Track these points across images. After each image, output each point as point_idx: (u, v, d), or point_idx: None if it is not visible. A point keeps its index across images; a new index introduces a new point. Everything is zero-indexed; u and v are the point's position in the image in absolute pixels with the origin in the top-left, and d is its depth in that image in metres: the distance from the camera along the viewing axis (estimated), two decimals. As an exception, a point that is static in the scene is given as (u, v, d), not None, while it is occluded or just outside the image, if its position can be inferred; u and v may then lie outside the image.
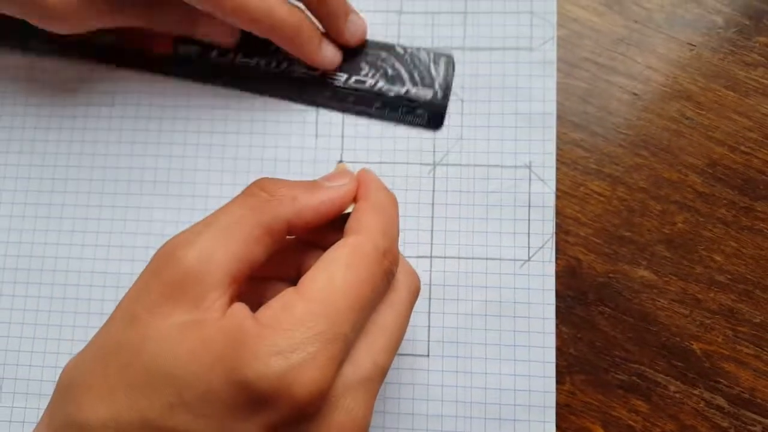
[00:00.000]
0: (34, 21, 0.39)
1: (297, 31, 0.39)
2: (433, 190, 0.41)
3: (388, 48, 0.42)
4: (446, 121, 0.41)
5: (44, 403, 0.39)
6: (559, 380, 0.39)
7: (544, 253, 0.39)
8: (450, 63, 0.42)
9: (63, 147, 0.43)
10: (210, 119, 0.43)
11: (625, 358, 0.39)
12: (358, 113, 0.42)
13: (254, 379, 0.25)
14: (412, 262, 0.40)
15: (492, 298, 0.39)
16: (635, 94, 0.41)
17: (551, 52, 0.42)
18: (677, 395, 0.38)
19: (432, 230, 0.40)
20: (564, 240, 0.40)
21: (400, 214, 0.40)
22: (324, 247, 0.30)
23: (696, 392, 0.38)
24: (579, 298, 0.39)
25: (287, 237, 0.31)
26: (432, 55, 0.42)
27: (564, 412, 0.38)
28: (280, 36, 0.39)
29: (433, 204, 0.41)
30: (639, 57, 0.42)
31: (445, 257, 0.40)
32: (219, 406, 0.25)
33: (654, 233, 0.40)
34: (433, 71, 0.41)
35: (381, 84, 0.42)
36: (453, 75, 0.42)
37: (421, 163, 0.41)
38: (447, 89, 0.41)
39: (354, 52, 0.42)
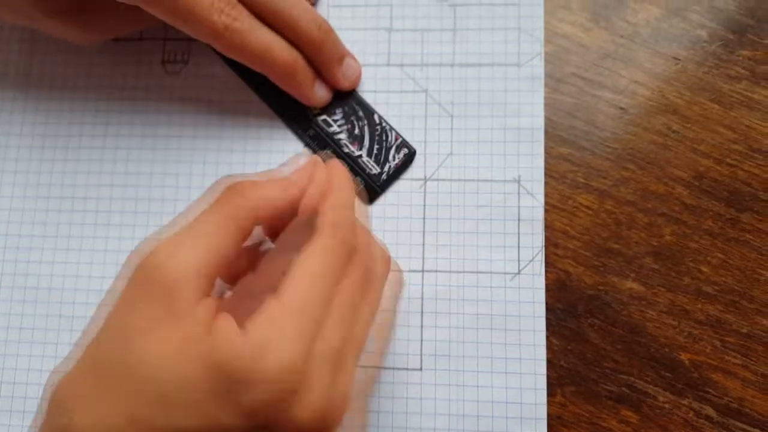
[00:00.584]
0: None
1: (293, 72, 0.40)
2: (424, 205, 0.41)
3: (368, 110, 0.42)
4: (436, 137, 0.41)
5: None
6: (550, 392, 0.38)
7: (534, 266, 0.39)
8: (410, 158, 0.41)
9: (57, 166, 0.43)
10: (204, 137, 0.43)
11: (615, 370, 0.39)
12: (306, 144, 0.42)
13: (228, 359, 0.25)
14: (404, 276, 0.40)
15: (483, 311, 0.39)
16: (622, 109, 0.41)
17: (539, 68, 0.42)
18: (666, 406, 0.38)
19: (423, 244, 0.40)
20: (553, 253, 0.40)
21: (392, 229, 0.40)
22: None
23: (685, 402, 0.38)
24: (569, 310, 0.39)
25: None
26: (399, 141, 0.42)
27: (555, 424, 0.38)
28: (276, 74, 0.40)
29: (424, 218, 0.41)
30: (625, 72, 0.42)
31: (436, 271, 0.40)
32: (200, 395, 0.26)
33: (642, 245, 0.40)
34: (392, 154, 0.41)
35: (342, 136, 0.42)
36: (406, 168, 0.41)
37: (412, 179, 0.41)
38: (393, 178, 0.41)
39: (339, 93, 0.42)
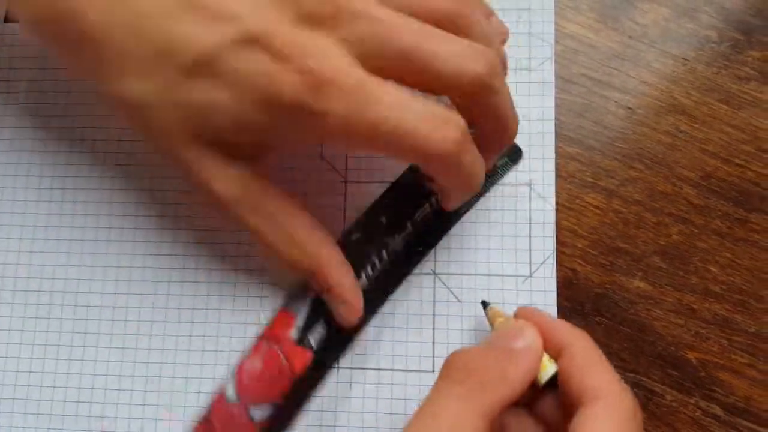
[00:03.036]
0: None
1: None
2: (437, 209, 0.39)
3: None
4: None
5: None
6: (559, 390, 0.37)
7: (546, 269, 0.38)
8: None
9: (69, 182, 0.41)
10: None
11: (622, 368, 0.37)
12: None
13: None
14: (416, 279, 0.38)
15: (494, 314, 0.38)
16: (630, 109, 0.40)
17: (549, 72, 0.40)
18: (673, 404, 0.37)
19: (436, 247, 0.39)
20: (561, 252, 0.39)
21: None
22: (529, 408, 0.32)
23: (692, 401, 0.37)
24: (576, 309, 0.38)
25: None
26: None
27: (564, 422, 0.37)
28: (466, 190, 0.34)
29: (436, 222, 0.39)
30: (633, 72, 0.40)
31: (449, 274, 0.38)
32: None
33: (649, 245, 0.38)
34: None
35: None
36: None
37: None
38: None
39: None
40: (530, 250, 0.38)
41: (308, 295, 0.36)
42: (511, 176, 0.39)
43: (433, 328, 0.38)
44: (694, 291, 0.38)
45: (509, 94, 0.32)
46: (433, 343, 0.38)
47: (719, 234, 0.38)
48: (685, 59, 0.40)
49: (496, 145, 0.34)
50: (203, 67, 0.29)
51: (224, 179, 0.32)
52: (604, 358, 0.31)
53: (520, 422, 0.32)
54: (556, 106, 0.40)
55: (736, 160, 0.39)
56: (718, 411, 0.37)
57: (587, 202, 0.39)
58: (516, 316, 0.34)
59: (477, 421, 0.27)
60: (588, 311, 0.38)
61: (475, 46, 0.30)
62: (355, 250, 0.37)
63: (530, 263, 0.38)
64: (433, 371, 0.38)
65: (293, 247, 0.33)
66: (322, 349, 0.36)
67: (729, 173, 0.39)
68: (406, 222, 0.38)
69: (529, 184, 0.39)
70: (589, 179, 0.39)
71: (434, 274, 0.38)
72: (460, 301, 0.38)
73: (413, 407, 0.36)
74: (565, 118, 0.40)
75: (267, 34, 0.29)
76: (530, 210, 0.39)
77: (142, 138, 0.38)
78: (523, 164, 0.39)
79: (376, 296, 0.37)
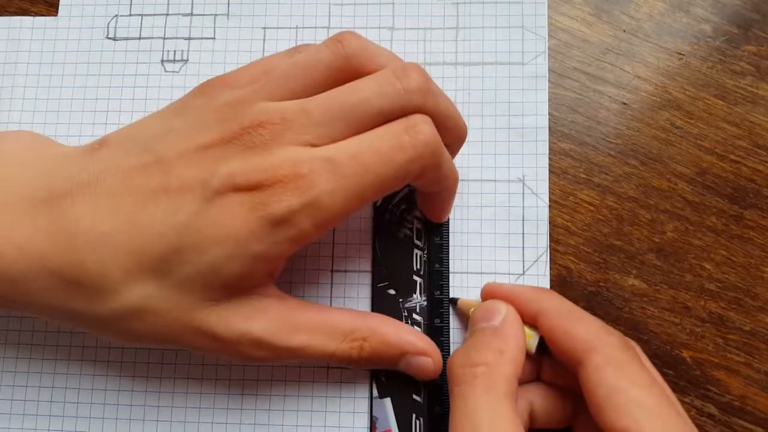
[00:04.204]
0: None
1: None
2: (428, 206, 0.38)
3: None
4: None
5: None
6: (553, 389, 0.36)
7: (539, 266, 0.37)
8: None
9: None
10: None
11: (617, 366, 0.36)
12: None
13: None
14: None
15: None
16: (624, 104, 0.39)
17: (543, 66, 0.39)
18: (669, 403, 0.36)
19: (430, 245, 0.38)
20: (554, 249, 0.38)
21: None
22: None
23: (687, 400, 0.36)
24: (570, 306, 0.37)
25: None
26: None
27: (557, 421, 0.36)
28: (451, 184, 0.34)
29: (428, 219, 0.38)
30: (628, 66, 0.39)
31: (441, 271, 0.37)
32: None
33: (644, 242, 0.37)
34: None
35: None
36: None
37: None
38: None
39: None
40: (523, 247, 0.37)
41: (383, 399, 0.36)
42: (503, 172, 0.38)
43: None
44: (688, 289, 0.37)
45: (441, 92, 0.32)
46: (427, 342, 0.37)
47: (714, 231, 0.37)
48: (680, 54, 0.39)
49: (451, 144, 0.33)
50: (180, 242, 0.29)
51: (251, 321, 0.31)
52: (577, 308, 0.33)
53: (539, 395, 0.34)
54: (550, 101, 0.39)
55: (732, 156, 0.38)
56: (713, 410, 0.36)
57: (581, 199, 0.38)
58: (482, 294, 0.35)
59: (506, 405, 0.29)
60: (582, 309, 0.37)
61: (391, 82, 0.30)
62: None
63: (523, 261, 0.37)
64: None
65: (347, 341, 0.33)
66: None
67: (724, 169, 0.38)
68: (413, 278, 0.37)
69: (522, 180, 0.38)
70: (583, 175, 0.38)
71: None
72: (452, 299, 0.37)
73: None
74: (559, 113, 0.39)
75: (228, 179, 0.29)
76: (523, 207, 0.38)
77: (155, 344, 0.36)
78: (515, 160, 0.38)
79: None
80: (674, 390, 0.36)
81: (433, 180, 0.32)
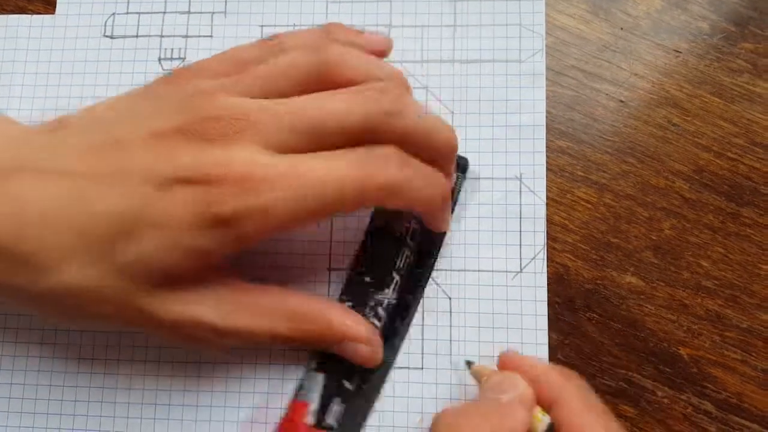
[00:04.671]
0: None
1: (446, 202, 0.34)
2: (425, 204, 0.38)
3: None
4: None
5: None
6: (549, 386, 0.36)
7: (536, 264, 0.37)
8: (464, 165, 0.38)
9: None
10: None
11: (613, 364, 0.36)
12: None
13: None
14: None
15: (485, 310, 0.37)
16: (621, 101, 0.39)
17: (540, 64, 0.39)
18: (665, 400, 0.36)
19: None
20: (551, 247, 0.38)
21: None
22: None
23: (684, 397, 0.36)
24: (566, 304, 0.37)
25: None
26: None
27: (555, 418, 0.36)
28: (436, 207, 0.33)
29: (424, 217, 0.38)
30: (625, 64, 0.39)
31: (438, 270, 0.37)
32: None
33: (641, 239, 0.37)
34: None
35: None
36: (465, 172, 0.38)
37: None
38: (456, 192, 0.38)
39: None
40: (520, 245, 0.37)
41: (317, 373, 0.35)
42: (500, 170, 0.38)
43: (422, 324, 0.37)
44: (686, 286, 0.37)
45: (417, 110, 0.31)
46: (422, 339, 0.37)
47: (711, 229, 0.37)
48: (678, 51, 0.39)
49: (438, 158, 0.33)
50: (123, 227, 0.29)
51: (198, 304, 0.31)
52: (597, 401, 0.31)
53: None
54: (546, 98, 0.39)
55: (729, 154, 0.38)
56: (710, 407, 0.36)
57: (578, 197, 0.38)
58: (500, 363, 0.33)
59: None
60: (579, 307, 0.37)
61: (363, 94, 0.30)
62: None
63: (520, 259, 0.37)
64: (422, 368, 0.36)
65: (294, 322, 0.33)
66: (342, 424, 0.35)
67: (721, 167, 0.38)
68: (392, 274, 0.37)
69: (519, 178, 0.38)
70: (580, 173, 0.38)
71: (422, 269, 0.37)
72: (449, 297, 0.37)
73: (401, 404, 0.36)
74: (556, 110, 0.39)
75: (179, 169, 0.29)
76: (520, 205, 0.38)
77: (89, 322, 0.36)
78: (512, 158, 0.38)
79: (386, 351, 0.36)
80: (671, 387, 0.36)
81: (404, 206, 0.32)
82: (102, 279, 0.29)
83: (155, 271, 0.29)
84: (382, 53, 0.35)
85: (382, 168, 0.29)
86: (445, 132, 0.32)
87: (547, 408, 0.30)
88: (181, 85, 0.32)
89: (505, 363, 0.33)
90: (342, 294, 0.37)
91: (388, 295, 0.36)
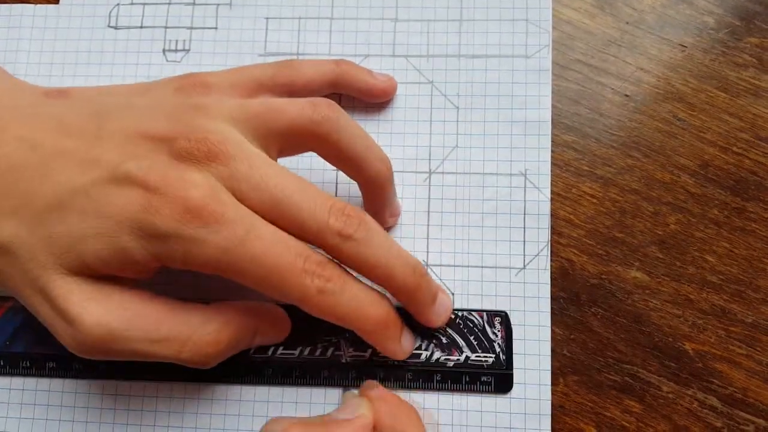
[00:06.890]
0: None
1: (384, 328, 0.33)
2: (429, 199, 0.38)
3: None
4: (442, 129, 0.38)
5: None
6: (553, 381, 0.36)
7: (540, 260, 0.37)
8: (506, 321, 0.36)
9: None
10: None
11: (618, 359, 0.36)
12: (417, 388, 0.36)
13: None
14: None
15: (488, 306, 0.36)
16: (627, 96, 0.38)
17: (546, 60, 0.39)
18: (670, 395, 0.36)
19: (428, 238, 0.37)
20: (556, 242, 0.37)
21: (396, 222, 0.37)
22: None
23: (689, 392, 0.36)
24: (572, 299, 0.37)
25: None
26: (485, 316, 0.36)
27: (558, 413, 0.36)
28: (366, 332, 0.32)
29: (428, 212, 0.38)
30: (630, 58, 0.39)
31: (441, 265, 0.37)
32: None
33: (646, 234, 0.37)
34: (490, 333, 0.36)
35: (437, 355, 0.36)
36: (512, 333, 0.36)
37: (416, 172, 0.38)
38: (509, 350, 0.36)
39: None
40: (524, 241, 0.37)
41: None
42: (505, 166, 0.38)
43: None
44: (691, 281, 0.37)
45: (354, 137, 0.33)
46: (427, 335, 0.37)
47: (716, 223, 0.37)
48: (683, 46, 0.39)
49: (370, 192, 0.35)
50: (69, 202, 0.29)
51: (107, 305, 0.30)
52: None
53: None
54: (552, 93, 0.39)
55: (734, 149, 0.38)
56: (716, 402, 0.36)
57: (583, 191, 0.38)
58: (360, 390, 0.34)
59: None
60: (584, 302, 0.37)
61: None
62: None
63: (524, 255, 0.37)
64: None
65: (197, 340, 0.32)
66: None
67: (727, 161, 0.38)
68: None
69: (524, 175, 0.38)
70: (586, 168, 0.38)
71: (426, 265, 0.37)
72: (452, 293, 0.37)
73: (406, 398, 0.35)
74: (561, 105, 0.39)
75: (140, 170, 0.29)
76: (525, 201, 0.37)
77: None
78: (517, 154, 0.38)
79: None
80: (676, 382, 0.36)
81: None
82: (25, 242, 0.29)
83: (76, 252, 0.29)
84: (385, 93, 0.38)
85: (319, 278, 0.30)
86: (373, 168, 0.34)
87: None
88: (188, 94, 0.32)
89: (363, 390, 0.34)
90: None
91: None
